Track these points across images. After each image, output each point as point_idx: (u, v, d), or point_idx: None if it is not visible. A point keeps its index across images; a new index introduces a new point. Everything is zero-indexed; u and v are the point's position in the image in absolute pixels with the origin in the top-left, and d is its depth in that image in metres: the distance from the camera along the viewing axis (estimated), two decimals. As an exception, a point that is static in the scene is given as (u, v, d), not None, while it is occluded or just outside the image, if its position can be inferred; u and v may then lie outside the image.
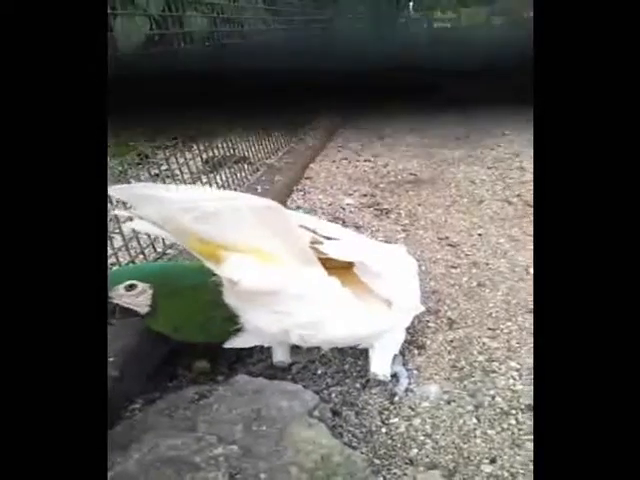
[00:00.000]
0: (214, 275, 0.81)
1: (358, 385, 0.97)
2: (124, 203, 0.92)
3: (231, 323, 0.86)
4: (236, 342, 0.86)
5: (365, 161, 2.38)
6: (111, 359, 0.89)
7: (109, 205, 1.12)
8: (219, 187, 1.70)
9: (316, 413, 0.66)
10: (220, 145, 1.89)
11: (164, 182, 1.58)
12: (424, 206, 1.80)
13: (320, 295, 0.80)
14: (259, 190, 1.77)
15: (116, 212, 0.95)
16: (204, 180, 1.65)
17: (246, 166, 1.95)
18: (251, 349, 0.98)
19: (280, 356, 0.98)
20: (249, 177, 1.90)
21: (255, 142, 2.11)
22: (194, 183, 1.62)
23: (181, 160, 1.58)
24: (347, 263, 0.85)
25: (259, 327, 0.80)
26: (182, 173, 1.52)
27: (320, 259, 0.81)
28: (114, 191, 0.69)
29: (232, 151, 1.95)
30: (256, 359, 1.01)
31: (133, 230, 1.04)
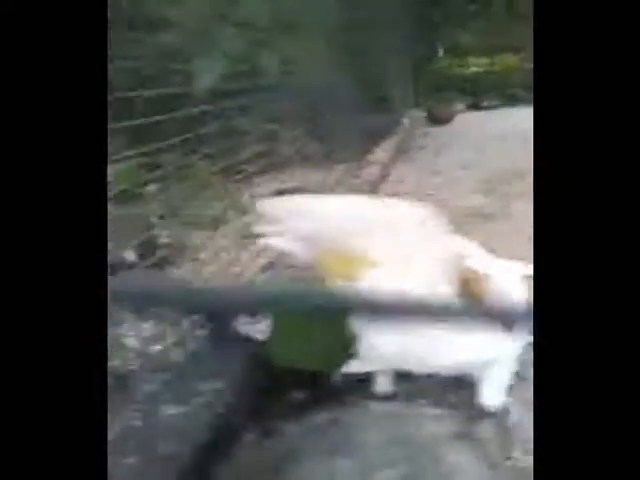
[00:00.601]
0: (335, 296, 0.79)
1: (467, 416, 0.93)
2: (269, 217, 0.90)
3: (348, 349, 0.83)
4: (352, 367, 0.83)
5: (425, 196, 2.37)
6: (223, 388, 0.87)
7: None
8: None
9: (461, 437, 0.63)
10: (287, 178, 1.90)
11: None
12: (501, 241, 1.76)
13: (450, 318, 0.77)
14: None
15: (259, 229, 0.94)
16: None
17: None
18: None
19: (383, 385, 0.95)
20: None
21: (316, 175, 2.12)
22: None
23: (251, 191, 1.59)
24: (477, 283, 0.82)
25: (379, 349, 0.76)
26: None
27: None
28: (264, 204, 0.68)
29: (297, 184, 1.96)
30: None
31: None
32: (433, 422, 0.64)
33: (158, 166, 0.82)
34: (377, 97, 3.49)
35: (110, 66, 0.57)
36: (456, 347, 0.83)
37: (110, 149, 0.60)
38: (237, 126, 1.26)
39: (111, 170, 0.67)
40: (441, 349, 0.81)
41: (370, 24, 3.06)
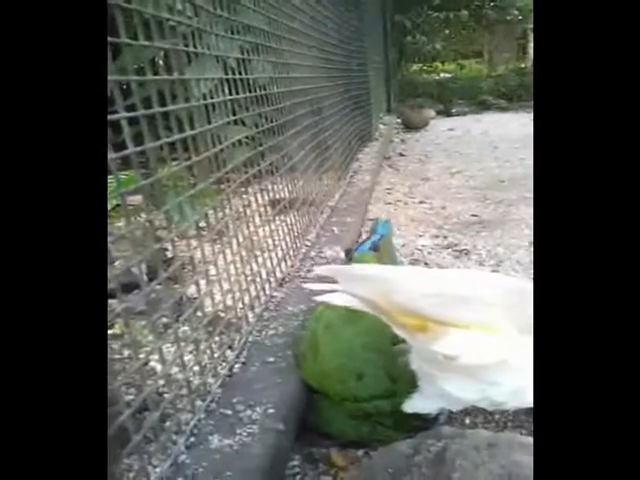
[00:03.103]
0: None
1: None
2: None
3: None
4: (416, 406, 0.78)
5: (420, 203, 2.35)
6: (271, 411, 0.82)
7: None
8: (289, 228, 1.65)
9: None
10: (281, 188, 1.84)
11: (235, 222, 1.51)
12: (504, 247, 1.76)
13: (527, 363, 0.73)
14: (336, 231, 1.72)
15: (310, 285, 0.89)
16: (276, 222, 1.59)
17: (312, 208, 1.91)
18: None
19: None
20: (318, 219, 1.86)
21: (313, 185, 2.08)
22: (263, 225, 1.57)
23: (245, 202, 1.53)
24: None
25: (454, 394, 0.72)
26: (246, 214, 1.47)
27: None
28: (324, 270, 0.67)
29: (294, 194, 1.91)
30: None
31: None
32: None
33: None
34: (355, 103, 3.48)
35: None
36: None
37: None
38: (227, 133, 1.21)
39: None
40: (520, 395, 0.77)
41: (341, 31, 3.04)
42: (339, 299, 0.78)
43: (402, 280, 0.71)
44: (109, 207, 1.41)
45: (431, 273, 0.88)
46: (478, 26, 8.79)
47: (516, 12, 8.30)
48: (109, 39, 0.59)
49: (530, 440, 0.63)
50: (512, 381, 0.68)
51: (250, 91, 1.34)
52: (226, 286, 1.05)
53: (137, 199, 0.81)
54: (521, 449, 0.60)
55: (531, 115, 4.49)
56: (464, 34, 8.90)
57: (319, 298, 0.82)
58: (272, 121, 1.54)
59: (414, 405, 0.75)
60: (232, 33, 1.25)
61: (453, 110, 7.24)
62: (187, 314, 0.88)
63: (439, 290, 0.70)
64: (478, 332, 0.66)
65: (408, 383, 0.76)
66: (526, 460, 0.59)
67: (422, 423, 0.81)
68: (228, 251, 1.08)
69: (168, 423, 0.78)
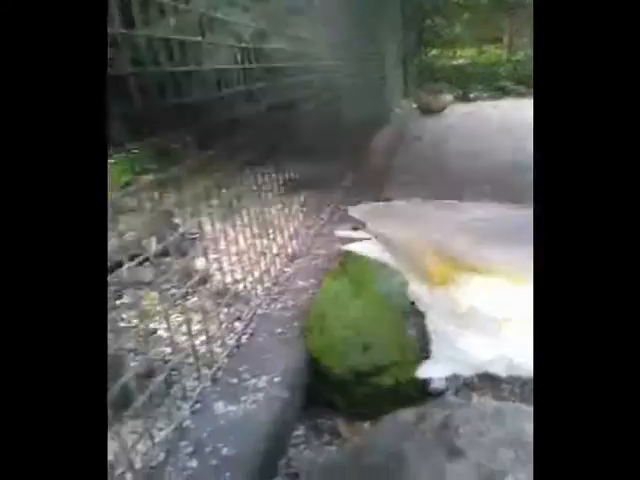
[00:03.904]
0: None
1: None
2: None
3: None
4: (428, 371, 0.77)
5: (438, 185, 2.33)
6: (277, 379, 0.82)
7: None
8: (302, 205, 1.65)
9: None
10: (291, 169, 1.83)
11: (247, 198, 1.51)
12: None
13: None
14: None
15: (339, 233, 0.88)
16: (288, 199, 1.58)
17: (326, 188, 1.90)
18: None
19: (437, 382, 0.90)
20: (332, 198, 1.85)
21: (321, 166, 2.06)
22: (275, 203, 1.57)
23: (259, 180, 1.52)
24: None
25: (469, 353, 0.70)
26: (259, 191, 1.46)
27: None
28: (355, 211, 0.65)
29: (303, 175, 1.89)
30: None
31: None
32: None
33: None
34: (370, 85, 3.44)
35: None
36: None
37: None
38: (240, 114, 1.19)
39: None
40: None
41: (359, 15, 3.00)
42: (368, 248, 0.77)
43: (436, 216, 0.68)
44: (121, 184, 1.42)
45: (467, 207, 0.82)
46: (498, 10, 8.63)
47: (538, -4, 8.11)
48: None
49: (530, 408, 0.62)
50: (525, 338, 0.65)
51: (264, 66, 1.32)
52: (235, 259, 1.05)
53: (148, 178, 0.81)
54: (528, 418, 0.59)
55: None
56: (484, 18, 8.74)
57: (348, 247, 0.81)
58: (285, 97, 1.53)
59: (426, 370, 0.75)
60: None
61: (471, 95, 7.14)
62: (195, 285, 0.87)
63: (476, 228, 0.68)
64: (504, 281, 0.64)
65: (417, 352, 0.75)
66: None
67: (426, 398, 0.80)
68: (239, 225, 1.08)
69: (174, 389, 0.78)
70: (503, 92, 7.28)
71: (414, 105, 5.81)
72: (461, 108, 5.93)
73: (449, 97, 6.29)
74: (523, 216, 0.75)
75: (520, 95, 7.06)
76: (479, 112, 5.37)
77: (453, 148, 3.29)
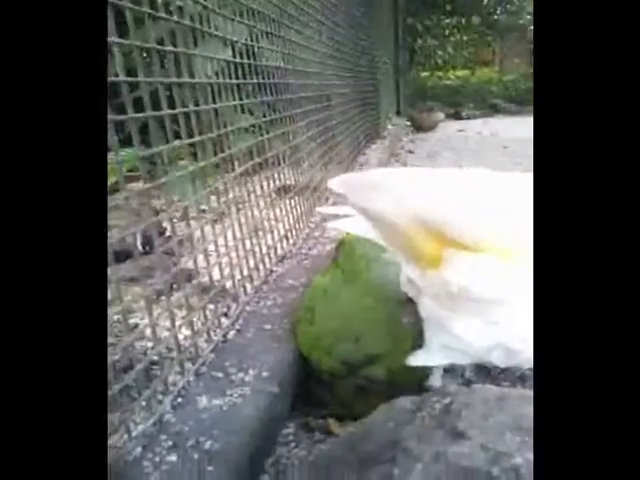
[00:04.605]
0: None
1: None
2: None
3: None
4: (421, 360, 0.72)
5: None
6: (265, 374, 0.77)
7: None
8: (292, 207, 1.61)
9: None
10: (284, 174, 1.80)
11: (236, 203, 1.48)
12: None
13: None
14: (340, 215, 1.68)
15: (323, 210, 0.85)
16: (279, 203, 1.55)
17: (317, 194, 1.87)
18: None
19: (435, 380, 0.85)
20: (323, 203, 1.82)
21: (318, 173, 2.03)
22: (266, 206, 1.53)
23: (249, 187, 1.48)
24: None
25: (464, 339, 0.66)
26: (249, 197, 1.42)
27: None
28: (335, 184, 0.61)
29: (298, 180, 1.86)
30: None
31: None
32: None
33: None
34: (363, 99, 3.44)
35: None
36: None
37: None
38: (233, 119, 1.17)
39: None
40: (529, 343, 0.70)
41: (352, 32, 3.01)
42: (353, 225, 0.73)
43: (417, 187, 0.64)
44: (109, 184, 1.38)
45: (450, 174, 0.76)
46: (489, 32, 8.76)
47: (528, 17, 8.24)
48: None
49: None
50: (523, 323, 0.60)
51: (257, 78, 1.30)
52: (223, 257, 1.01)
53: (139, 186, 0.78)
54: (532, 404, 0.55)
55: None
56: (475, 39, 8.86)
57: (332, 224, 0.77)
58: (279, 111, 1.51)
59: (418, 359, 0.70)
60: (241, 16, 1.20)
61: (463, 113, 7.19)
62: (180, 282, 0.83)
63: (459, 196, 0.63)
64: (495, 257, 0.59)
65: (411, 341, 0.71)
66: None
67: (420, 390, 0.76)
68: (227, 223, 1.04)
69: (154, 382, 0.73)
70: (495, 110, 7.34)
71: (407, 122, 5.84)
72: (453, 125, 5.96)
73: (441, 115, 6.33)
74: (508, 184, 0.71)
75: (512, 113, 7.12)
76: (471, 129, 5.39)
77: (445, 161, 3.29)
